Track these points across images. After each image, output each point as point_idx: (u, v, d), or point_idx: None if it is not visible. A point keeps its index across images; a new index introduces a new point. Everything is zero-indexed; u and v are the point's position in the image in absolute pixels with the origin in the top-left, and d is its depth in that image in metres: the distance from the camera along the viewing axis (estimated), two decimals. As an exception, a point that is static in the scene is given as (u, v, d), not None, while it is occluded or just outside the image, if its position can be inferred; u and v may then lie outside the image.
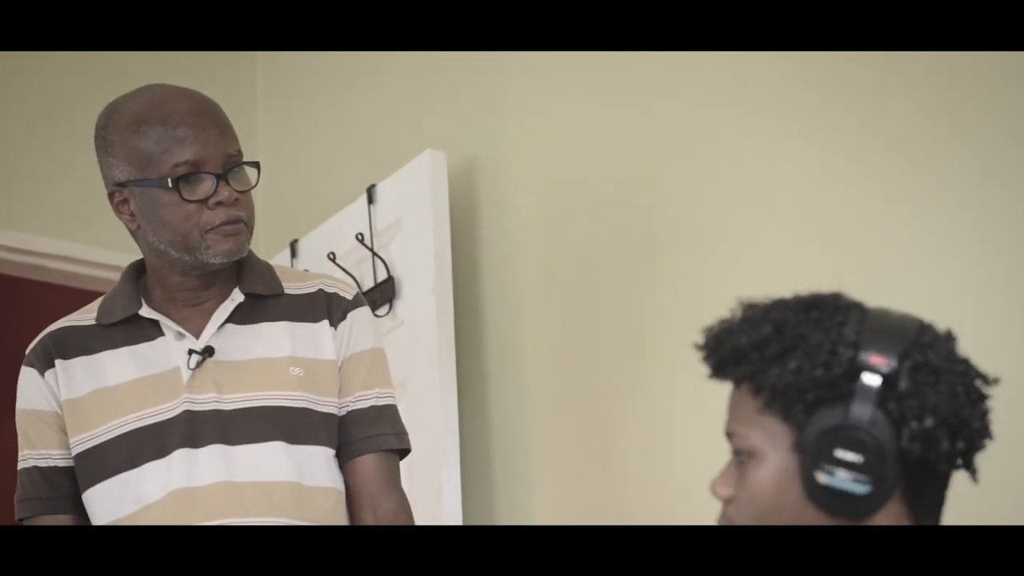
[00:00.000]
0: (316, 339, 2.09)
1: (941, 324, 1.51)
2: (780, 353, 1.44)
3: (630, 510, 2.77)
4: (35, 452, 2.10)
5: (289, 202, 3.74)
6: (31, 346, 2.12)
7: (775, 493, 1.45)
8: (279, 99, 3.88)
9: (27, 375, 2.12)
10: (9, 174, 3.39)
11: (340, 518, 2.05)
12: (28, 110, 3.45)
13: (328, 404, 2.07)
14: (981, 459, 1.47)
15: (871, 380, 1.41)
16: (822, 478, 1.41)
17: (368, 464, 2.09)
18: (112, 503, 2.01)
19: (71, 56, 3.44)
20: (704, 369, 1.54)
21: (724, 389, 2.53)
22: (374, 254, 3.21)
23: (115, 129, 2.05)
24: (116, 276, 3.44)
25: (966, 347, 1.51)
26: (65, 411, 2.06)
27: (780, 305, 1.49)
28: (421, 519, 2.90)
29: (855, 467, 1.40)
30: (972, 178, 2.31)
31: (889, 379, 1.41)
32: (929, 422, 1.40)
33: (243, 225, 2.03)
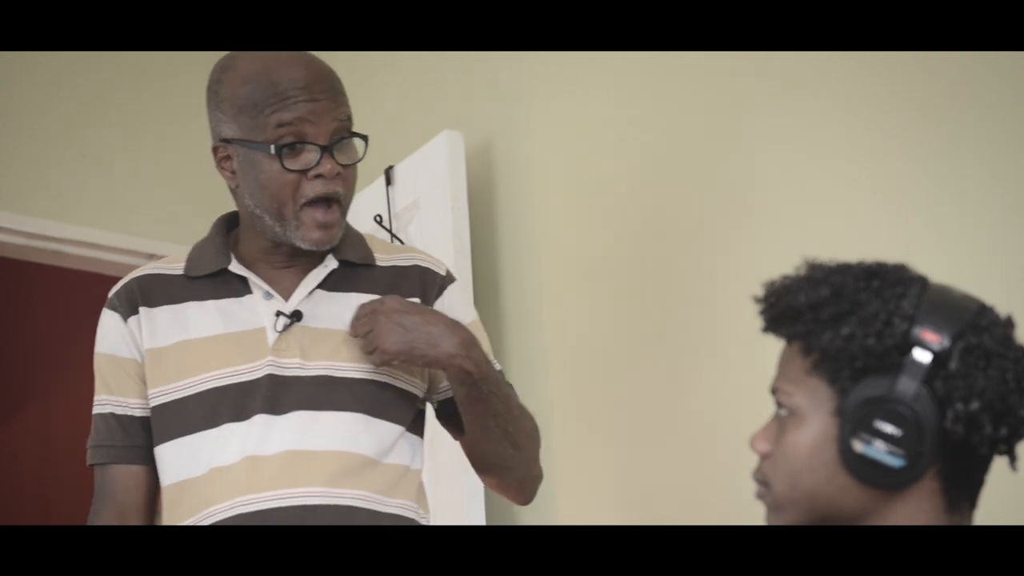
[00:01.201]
0: None
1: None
2: (835, 317, 1.43)
3: (653, 484, 2.76)
4: (112, 398, 2.06)
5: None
6: (115, 289, 2.08)
7: (810, 454, 1.45)
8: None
9: (110, 319, 2.07)
10: (29, 161, 3.39)
11: (409, 491, 2.01)
12: (46, 100, 3.45)
13: (409, 382, 2.04)
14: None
15: (921, 356, 1.40)
16: (858, 446, 1.40)
17: None
18: (185, 462, 1.97)
19: (93, 52, 3.45)
20: (759, 322, 1.52)
21: (746, 362, 2.52)
22: (392, 235, 3.20)
23: (228, 84, 2.00)
24: (134, 261, 3.50)
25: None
26: (147, 360, 2.02)
27: (842, 269, 1.48)
28: (447, 500, 2.92)
29: (892, 439, 1.39)
30: (976, 178, 2.30)
31: (940, 357, 1.40)
32: (975, 405, 1.39)
33: (339, 211, 1.99)
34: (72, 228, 3.39)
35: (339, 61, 3.87)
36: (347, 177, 2.00)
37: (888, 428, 1.39)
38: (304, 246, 1.99)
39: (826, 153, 2.53)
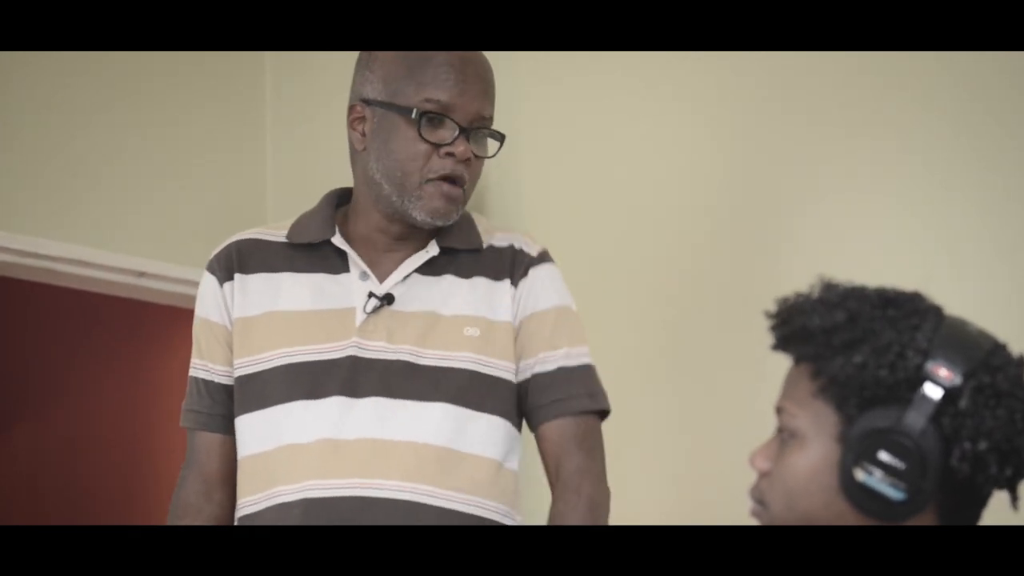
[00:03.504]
0: (494, 298, 2.03)
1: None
2: (848, 343, 1.42)
3: (666, 504, 2.75)
4: (201, 363, 2.07)
5: (297, 203, 3.72)
6: (216, 250, 2.08)
7: (809, 478, 1.44)
8: (287, 97, 3.86)
9: (207, 282, 2.07)
10: (17, 178, 3.37)
11: (492, 490, 1.97)
12: (36, 113, 3.43)
13: (500, 368, 2.00)
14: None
15: (932, 392, 1.39)
16: (860, 475, 1.40)
17: (556, 429, 2.00)
18: (258, 436, 1.96)
19: (78, 60, 3.43)
20: (769, 339, 1.51)
21: (731, 388, 2.50)
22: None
23: None
24: (127, 279, 3.48)
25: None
26: (235, 328, 2.02)
27: (858, 294, 1.47)
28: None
29: (894, 472, 1.38)
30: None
31: (950, 394, 1.39)
32: (982, 445, 1.38)
33: (461, 190, 1.98)
34: (62, 246, 3.37)
35: (332, 80, 3.89)
36: (474, 167, 2.00)
37: (891, 460, 1.39)
38: (421, 217, 1.97)
39: (848, 169, 2.53)
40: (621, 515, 2.80)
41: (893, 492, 1.38)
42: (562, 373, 2.03)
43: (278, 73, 3.84)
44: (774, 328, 1.50)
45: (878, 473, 1.38)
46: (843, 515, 1.42)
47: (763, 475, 1.49)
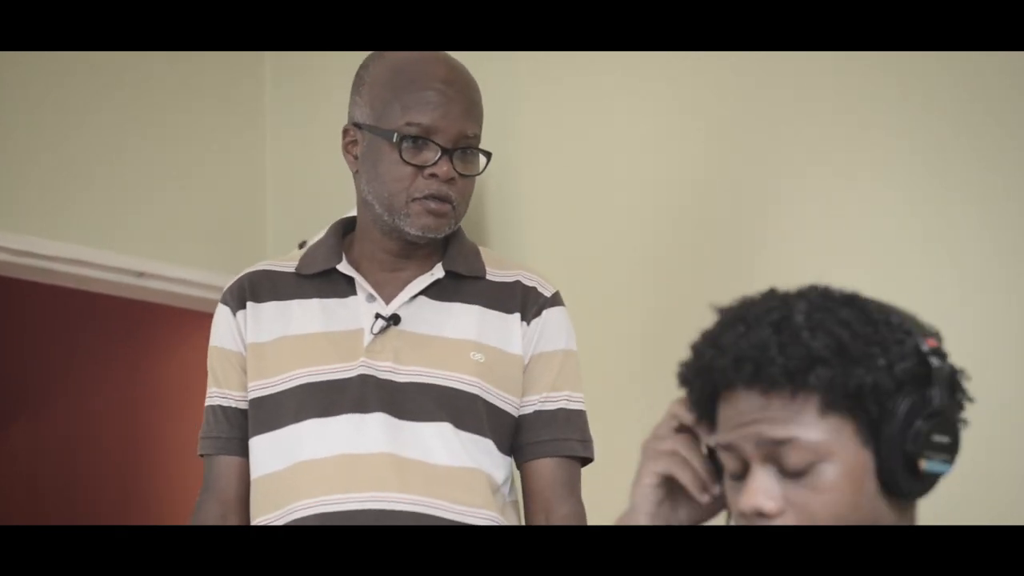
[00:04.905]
0: (505, 330, 2.05)
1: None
2: (865, 352, 1.41)
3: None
4: (219, 391, 2.10)
5: (297, 202, 3.73)
6: (229, 283, 2.12)
7: (854, 491, 1.41)
8: (287, 98, 3.86)
9: (220, 312, 2.12)
10: (16, 177, 3.37)
11: (496, 507, 2.01)
12: (36, 113, 3.43)
13: (502, 398, 2.03)
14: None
15: (938, 362, 1.40)
16: (925, 465, 1.39)
17: (549, 467, 2.05)
18: (272, 455, 2.00)
19: (78, 59, 3.43)
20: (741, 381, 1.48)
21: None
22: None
23: (373, 70, 2.06)
24: (125, 279, 3.48)
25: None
26: (249, 354, 2.06)
27: (820, 305, 1.45)
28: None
29: (945, 448, 1.40)
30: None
31: (941, 357, 1.41)
32: (966, 383, 1.42)
33: (450, 206, 2.01)
34: (61, 245, 3.37)
35: (331, 79, 3.89)
36: (462, 186, 2.02)
37: (942, 439, 1.40)
38: (412, 231, 2.00)
39: (848, 169, 2.53)
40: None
41: (947, 467, 1.40)
42: (562, 414, 2.08)
43: (278, 73, 3.84)
44: (760, 367, 1.45)
45: (936, 455, 1.39)
46: (882, 516, 1.41)
47: (774, 515, 1.44)
